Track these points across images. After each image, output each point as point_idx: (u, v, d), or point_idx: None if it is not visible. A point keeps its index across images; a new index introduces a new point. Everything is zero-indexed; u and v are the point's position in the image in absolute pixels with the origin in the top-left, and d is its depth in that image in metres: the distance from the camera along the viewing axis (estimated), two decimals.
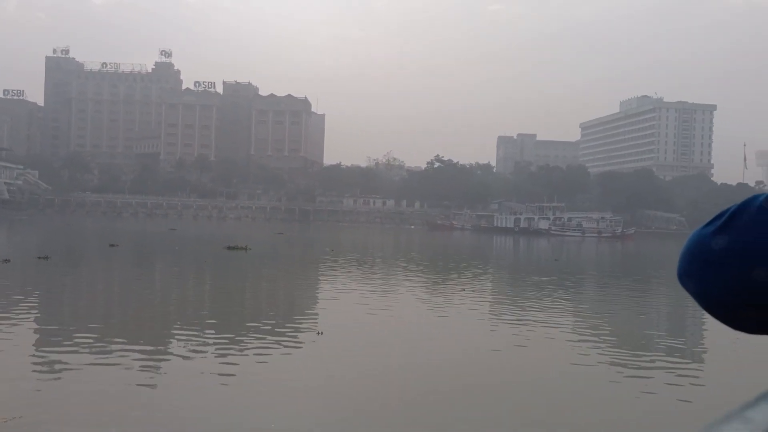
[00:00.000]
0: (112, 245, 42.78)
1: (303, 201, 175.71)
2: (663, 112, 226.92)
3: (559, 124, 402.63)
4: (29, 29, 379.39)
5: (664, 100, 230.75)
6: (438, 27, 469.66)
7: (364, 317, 18.23)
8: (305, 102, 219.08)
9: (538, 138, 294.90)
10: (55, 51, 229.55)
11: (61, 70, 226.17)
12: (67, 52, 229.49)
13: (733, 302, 0.88)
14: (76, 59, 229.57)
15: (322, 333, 15.29)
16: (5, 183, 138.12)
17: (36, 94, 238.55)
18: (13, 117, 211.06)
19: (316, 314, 19.48)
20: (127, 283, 26.37)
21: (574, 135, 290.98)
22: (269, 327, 16.14)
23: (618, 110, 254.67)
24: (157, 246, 51.33)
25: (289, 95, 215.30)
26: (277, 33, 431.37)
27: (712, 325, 17.79)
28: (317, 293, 25.34)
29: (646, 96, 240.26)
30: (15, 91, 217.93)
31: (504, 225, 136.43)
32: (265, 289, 26.40)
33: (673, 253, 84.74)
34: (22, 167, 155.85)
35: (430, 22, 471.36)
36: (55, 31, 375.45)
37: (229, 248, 42.28)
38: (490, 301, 24.16)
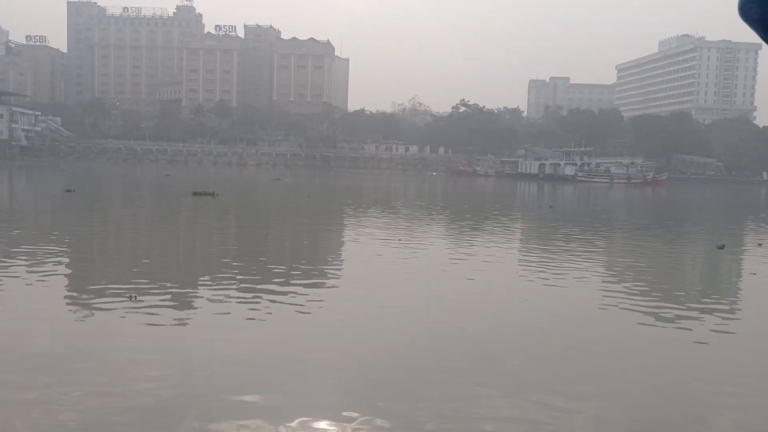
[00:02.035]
0: (69, 191, 40.17)
1: (324, 147, 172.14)
2: (704, 52, 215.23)
3: (595, 67, 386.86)
4: None
5: (706, 39, 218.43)
6: None
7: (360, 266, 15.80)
8: (328, 46, 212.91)
9: (571, 81, 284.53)
10: None
11: (82, 15, 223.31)
12: None
13: None
14: (98, 4, 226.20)
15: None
16: (23, 130, 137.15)
17: (59, 40, 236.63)
18: (36, 64, 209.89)
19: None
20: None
21: (610, 78, 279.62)
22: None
23: (657, 51, 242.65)
24: (117, 191, 49.07)
25: (312, 39, 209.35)
26: None
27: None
28: (258, 245, 21.95)
29: (686, 35, 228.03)
30: (37, 37, 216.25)
31: (528, 171, 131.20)
32: (182, 240, 23.09)
33: (704, 198, 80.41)
34: (40, 113, 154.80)
35: None
36: None
37: (195, 194, 39.21)
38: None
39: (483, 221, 32.55)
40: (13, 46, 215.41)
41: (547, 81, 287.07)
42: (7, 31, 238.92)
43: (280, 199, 45.57)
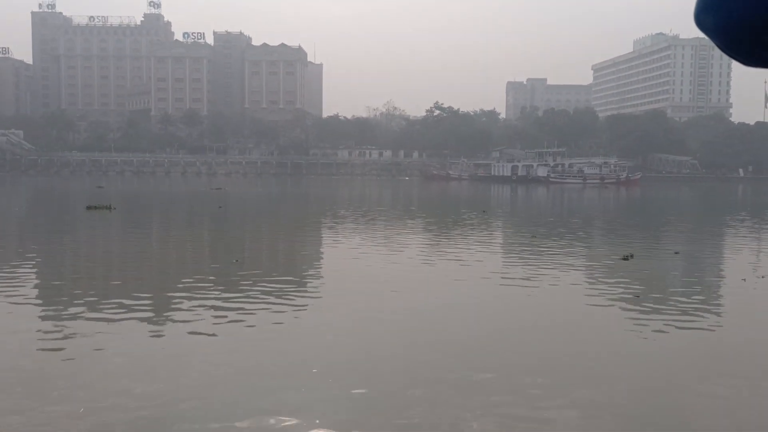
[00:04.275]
0: None
1: (296, 154, 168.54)
2: (678, 50, 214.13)
3: (572, 68, 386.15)
4: None
5: (680, 37, 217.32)
6: None
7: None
8: (300, 51, 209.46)
9: (548, 83, 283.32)
10: (41, 6, 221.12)
11: (47, 25, 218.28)
12: (53, 6, 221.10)
13: (750, 36, 0.82)
14: (63, 14, 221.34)
15: None
16: None
17: (24, 52, 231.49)
18: (0, 76, 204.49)
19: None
20: None
21: (587, 78, 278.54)
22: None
23: (632, 50, 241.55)
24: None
25: (283, 44, 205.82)
26: None
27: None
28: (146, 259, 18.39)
29: (660, 33, 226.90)
30: (1, 49, 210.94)
31: (501, 173, 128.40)
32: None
33: (677, 198, 78.22)
34: None
35: None
36: None
37: (89, 208, 35.49)
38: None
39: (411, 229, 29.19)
40: None
41: (525, 83, 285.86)
42: None
43: (184, 211, 42.64)
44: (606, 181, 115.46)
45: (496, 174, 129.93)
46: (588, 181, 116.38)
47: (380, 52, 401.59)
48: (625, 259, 19.02)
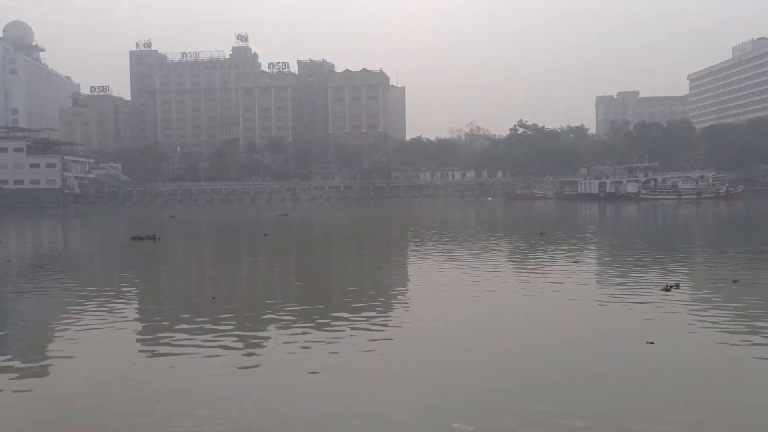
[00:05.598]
0: None
1: (378, 178, 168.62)
2: None
3: (665, 78, 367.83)
4: (113, 25, 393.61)
5: None
6: None
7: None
8: (382, 75, 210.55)
9: (641, 95, 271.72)
10: (138, 45, 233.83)
11: (144, 63, 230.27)
12: (149, 44, 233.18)
13: None
14: (158, 51, 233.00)
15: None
16: (76, 177, 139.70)
17: (122, 89, 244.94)
18: (101, 113, 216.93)
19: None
20: None
21: (683, 89, 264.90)
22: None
23: (731, 56, 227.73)
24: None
25: (364, 69, 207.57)
26: (354, 7, 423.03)
27: None
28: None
29: (763, 38, 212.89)
30: (101, 87, 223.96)
31: (588, 191, 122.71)
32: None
33: None
34: (93, 161, 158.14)
35: None
36: (138, 22, 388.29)
37: (134, 239, 35.20)
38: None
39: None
40: (79, 97, 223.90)
41: (615, 96, 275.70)
42: (78, 84, 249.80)
43: (230, 239, 41.73)
44: (703, 195, 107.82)
45: (583, 191, 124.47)
46: (683, 196, 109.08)
47: (463, 72, 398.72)
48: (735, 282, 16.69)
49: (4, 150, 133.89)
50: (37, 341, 12.86)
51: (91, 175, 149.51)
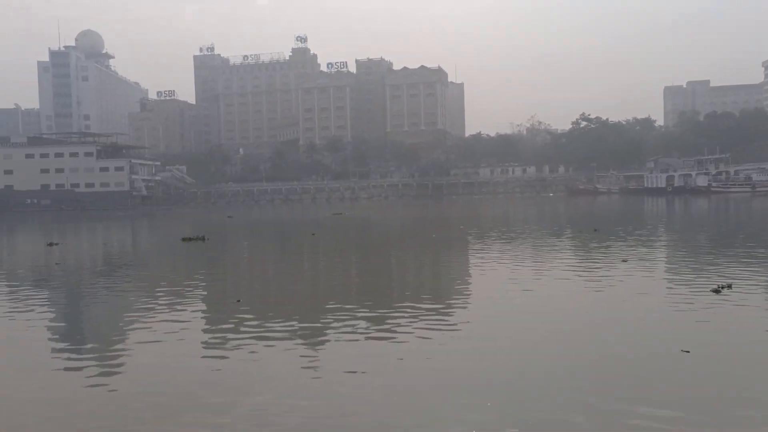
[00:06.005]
0: (51, 244, 37.36)
1: (436, 175, 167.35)
2: None
3: (739, 66, 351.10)
4: (178, 31, 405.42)
5: None
6: None
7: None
8: (440, 72, 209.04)
9: (711, 84, 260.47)
10: (201, 50, 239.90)
11: (207, 67, 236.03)
12: (212, 49, 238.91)
13: None
14: (221, 55, 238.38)
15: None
16: (143, 180, 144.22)
17: (187, 92, 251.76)
18: (167, 117, 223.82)
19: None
20: None
21: (757, 76, 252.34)
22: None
23: None
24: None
25: (422, 66, 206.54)
26: (411, 5, 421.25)
27: None
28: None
29: None
30: (167, 92, 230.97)
31: (655, 185, 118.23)
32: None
33: None
34: (159, 163, 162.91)
35: None
36: (202, 28, 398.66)
37: (185, 240, 35.54)
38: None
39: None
40: (146, 102, 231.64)
41: (684, 86, 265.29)
42: (146, 89, 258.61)
43: (276, 240, 41.46)
44: None
45: (650, 186, 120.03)
46: (758, 189, 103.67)
47: (524, 67, 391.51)
48: None
49: (75, 155, 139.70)
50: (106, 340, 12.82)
51: (157, 178, 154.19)
